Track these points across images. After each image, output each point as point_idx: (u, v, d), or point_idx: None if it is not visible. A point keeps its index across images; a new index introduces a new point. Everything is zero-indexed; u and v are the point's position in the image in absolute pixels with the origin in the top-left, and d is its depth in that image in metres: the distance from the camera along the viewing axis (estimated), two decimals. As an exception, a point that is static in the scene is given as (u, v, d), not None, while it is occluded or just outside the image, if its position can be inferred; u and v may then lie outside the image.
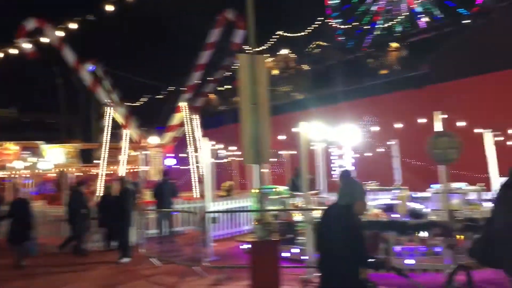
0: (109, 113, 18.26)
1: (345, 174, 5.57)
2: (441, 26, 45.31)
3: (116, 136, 21.26)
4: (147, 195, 15.52)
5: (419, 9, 55.44)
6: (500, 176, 11.93)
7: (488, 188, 11.63)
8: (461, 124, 9.69)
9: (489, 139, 11.80)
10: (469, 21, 42.53)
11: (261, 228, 5.67)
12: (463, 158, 8.70)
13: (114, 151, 19.83)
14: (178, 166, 23.06)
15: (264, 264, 5.48)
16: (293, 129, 9.95)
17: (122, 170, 18.71)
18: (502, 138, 11.59)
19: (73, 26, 14.39)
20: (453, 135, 8.35)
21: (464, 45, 21.07)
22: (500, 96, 14.96)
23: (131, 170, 23.41)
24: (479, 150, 12.08)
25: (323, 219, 4.33)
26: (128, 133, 18.78)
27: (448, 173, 8.24)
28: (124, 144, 18.83)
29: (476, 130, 10.94)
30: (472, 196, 10.23)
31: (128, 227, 11.30)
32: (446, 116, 8.66)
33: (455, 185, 10.03)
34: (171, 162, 20.45)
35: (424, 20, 54.07)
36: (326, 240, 4.10)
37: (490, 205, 10.65)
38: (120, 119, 18.86)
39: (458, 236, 8.07)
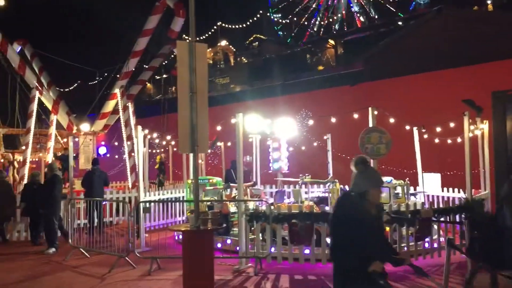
0: (37, 97, 17.33)
1: (359, 160, 5.17)
2: (376, 26, 47.02)
3: (44, 121, 20.23)
4: (77, 184, 14.95)
5: (356, 8, 57.20)
6: (423, 172, 12.62)
7: (414, 183, 12.25)
8: (391, 120, 10.09)
9: (417, 136, 12.39)
10: (402, 23, 44.51)
11: (195, 218, 5.60)
12: (393, 153, 9.08)
13: (42, 137, 18.87)
14: (110, 155, 22.38)
15: (197, 254, 5.43)
16: (230, 122, 9.92)
17: (49, 157, 17.85)
18: (426, 136, 12.17)
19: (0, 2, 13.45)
20: (384, 131, 8.70)
21: (396, 45, 21.91)
22: (428, 95, 15.73)
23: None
24: (408, 146, 12.67)
25: (335, 208, 4.10)
26: (56, 119, 17.92)
27: (379, 167, 8.56)
28: (53, 130, 17.97)
29: (406, 127, 11.42)
30: (398, 190, 10.69)
31: (55, 216, 10.82)
32: (376, 112, 8.98)
33: (383, 179, 10.44)
34: (103, 150, 19.76)
35: (360, 19, 55.89)
36: (337, 230, 3.91)
37: (414, 199, 11.26)
38: (48, 104, 17.95)
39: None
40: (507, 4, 32.60)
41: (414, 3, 51.84)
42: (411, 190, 11.71)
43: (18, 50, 18.37)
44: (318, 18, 59.36)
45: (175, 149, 20.22)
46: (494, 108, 9.12)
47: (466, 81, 14.64)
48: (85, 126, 17.83)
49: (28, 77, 17.46)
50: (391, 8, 53.90)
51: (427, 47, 18.80)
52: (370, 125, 8.69)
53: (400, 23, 45.57)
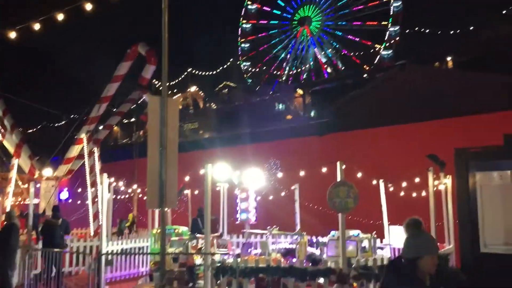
0: (-1, 140, 16.85)
1: (411, 223, 4.67)
2: (343, 77, 48.60)
3: (5, 165, 19.56)
4: (35, 231, 14.32)
5: (323, 59, 59.09)
6: (389, 225, 12.73)
7: (380, 236, 12.30)
8: (358, 174, 10.24)
9: (383, 189, 12.57)
10: (367, 76, 46.18)
11: (160, 276, 5.41)
12: (359, 205, 9.14)
13: (2, 181, 18.20)
14: (73, 200, 21.73)
15: (161, 315, 5.21)
16: (198, 170, 9.84)
17: (8, 202, 17.15)
18: (392, 189, 12.38)
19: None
20: (351, 185, 8.77)
21: (362, 98, 22.66)
22: (394, 148, 16.15)
23: (19, 203, 21.62)
24: (374, 198, 12.80)
25: (386, 275, 3.79)
26: (18, 163, 17.37)
27: (345, 221, 8.58)
28: (13, 174, 17.37)
29: (372, 181, 11.59)
30: (365, 244, 10.71)
31: (10, 267, 10.25)
32: (344, 166, 9.09)
33: (351, 232, 10.46)
34: (64, 195, 19.19)
35: (328, 70, 57.66)
36: None
37: (381, 252, 11.29)
38: (10, 147, 17.43)
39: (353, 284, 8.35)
40: (467, 63, 34.37)
41: (379, 56, 54.09)
42: (378, 243, 11.75)
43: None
44: (287, 68, 60.92)
45: (140, 195, 19.87)
46: (457, 165, 9.36)
47: (430, 136, 15.12)
48: (47, 171, 17.34)
49: (-11, 119, 17.01)
50: (357, 60, 55.98)
51: (393, 101, 19.51)
52: (338, 179, 8.76)
53: (365, 75, 47.32)
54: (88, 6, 9.04)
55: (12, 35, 10.71)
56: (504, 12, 36.54)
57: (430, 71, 23.77)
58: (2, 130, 16.96)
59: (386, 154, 16.21)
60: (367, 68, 51.89)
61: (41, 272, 12.39)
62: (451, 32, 39.64)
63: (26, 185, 17.99)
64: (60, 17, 9.53)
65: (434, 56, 38.81)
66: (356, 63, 55.70)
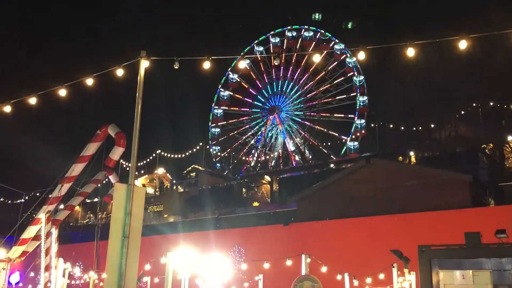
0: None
1: None
2: (310, 166, 49.36)
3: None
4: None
5: (292, 148, 60.39)
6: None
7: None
8: (323, 268, 10.13)
9: (348, 284, 12.38)
10: (334, 166, 47.14)
11: None
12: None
13: None
14: (24, 284, 20.43)
15: None
16: (160, 256, 9.55)
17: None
18: (357, 284, 12.21)
19: None
20: (316, 279, 8.64)
21: (328, 189, 22.97)
22: (359, 240, 16.18)
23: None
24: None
25: None
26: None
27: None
28: (-38, 254, 16.35)
29: (337, 275, 11.45)
30: None
31: None
32: (309, 260, 9.00)
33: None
34: (16, 279, 18.03)
35: (296, 158, 58.71)
36: None
37: None
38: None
39: None
40: (428, 158, 35.71)
41: (345, 148, 55.75)
42: None
43: None
44: (256, 155, 61.78)
45: (96, 281, 18.88)
46: (421, 262, 9.44)
47: (394, 229, 15.31)
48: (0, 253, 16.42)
49: None
50: (324, 150, 57.40)
51: (358, 192, 19.86)
52: (303, 272, 8.64)
53: (332, 165, 48.30)
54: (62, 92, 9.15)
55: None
56: (462, 112, 38.79)
57: (394, 166, 24.57)
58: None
59: (351, 246, 16.22)
60: (334, 158, 53.18)
61: None
62: (413, 128, 41.53)
63: (-26, 267, 16.90)
64: (33, 100, 9.53)
65: (398, 150, 40.25)
66: (324, 153, 57.10)
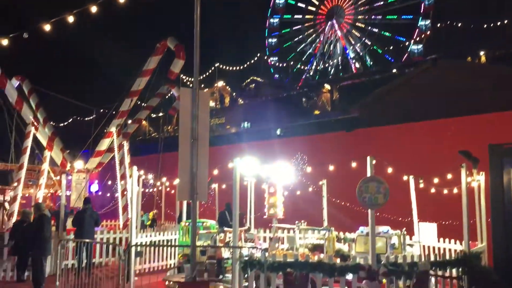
0: (32, 133, 17.22)
1: None
2: (371, 73, 47.95)
3: (38, 157, 20.04)
4: (67, 223, 14.63)
5: (352, 54, 58.42)
6: (419, 222, 12.50)
7: (409, 232, 12.08)
8: (388, 169, 10.07)
9: (412, 185, 12.34)
10: (396, 71, 45.42)
11: (191, 268, 5.44)
12: (388, 201, 8.98)
13: (34, 173, 18.65)
14: (102, 193, 22.11)
15: (192, 306, 5.24)
16: (226, 164, 9.88)
17: (40, 194, 17.59)
18: (422, 185, 12.13)
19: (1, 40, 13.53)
20: (382, 180, 8.61)
21: (392, 93, 22.28)
22: (425, 145, 15.84)
23: (51, 195, 22.12)
24: (404, 194, 12.58)
25: None
26: (50, 155, 17.78)
27: (375, 217, 8.44)
28: (46, 166, 17.78)
29: (402, 177, 11.38)
30: (394, 240, 10.54)
31: (44, 257, 10.52)
32: (374, 161, 8.93)
33: (380, 228, 10.30)
34: (95, 188, 19.55)
35: (356, 65, 56.98)
36: None
37: (410, 249, 11.10)
38: (43, 140, 17.84)
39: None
40: (499, 57, 33.44)
41: (408, 51, 53.10)
42: (407, 240, 11.55)
43: (16, 86, 18.37)
44: (314, 63, 60.48)
45: (167, 189, 20.06)
46: (491, 161, 9.12)
47: (463, 132, 14.77)
48: (78, 164, 17.69)
49: (24, 113, 17.39)
50: (386, 55, 55.11)
51: (423, 96, 19.13)
52: (368, 174, 8.62)
53: (394, 70, 46.54)
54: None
55: (46, 27, 10.91)
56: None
57: (462, 66, 23.22)
58: (35, 123, 17.35)
59: (418, 150, 15.91)
60: (397, 63, 51.04)
61: (73, 262, 12.72)
62: (484, 26, 38.55)
63: (58, 177, 18.39)
64: (93, 9, 9.65)
65: (466, 50, 37.86)
66: (385, 59, 54.86)
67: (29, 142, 17.13)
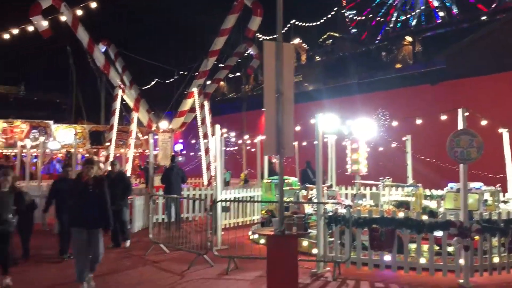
0: (120, 95, 18.09)
1: None
2: (458, 21, 44.72)
3: (126, 118, 21.12)
4: (156, 180, 15.41)
5: (436, 3, 54.67)
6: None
7: (504, 189, 11.40)
8: (481, 122, 9.44)
9: (507, 139, 11.54)
10: (486, 18, 41.97)
11: (279, 222, 5.51)
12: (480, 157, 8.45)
13: (124, 133, 19.71)
14: (186, 152, 22.96)
15: (281, 259, 5.34)
16: (309, 120, 9.80)
17: (130, 153, 18.61)
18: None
19: (87, 5, 14.15)
20: (475, 133, 8.11)
21: (481, 42, 20.68)
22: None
23: (140, 154, 23.39)
24: (495, 149, 11.82)
25: None
26: (137, 116, 18.66)
27: (468, 172, 8.02)
28: (133, 127, 18.72)
29: (497, 130, 10.66)
30: (487, 197, 10.01)
31: (126, 204, 11.05)
32: (467, 113, 8.40)
33: (471, 184, 9.79)
34: (179, 147, 20.33)
35: (440, 14, 53.35)
36: None
37: (505, 206, 10.49)
38: (130, 102, 18.71)
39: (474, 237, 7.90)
40: None
41: (499, -4, 48.62)
42: (501, 197, 10.92)
43: (103, 50, 19.22)
44: (395, 14, 57.44)
45: (248, 147, 20.40)
46: None
47: None
48: (163, 124, 18.41)
49: (112, 76, 18.26)
50: (474, 2, 50.91)
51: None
52: (460, 127, 8.14)
53: (484, 18, 43.04)
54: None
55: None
56: None
57: None
58: (122, 86, 18.16)
59: (508, 102, 14.81)
60: (485, 10, 47.03)
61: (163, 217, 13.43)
62: None
63: (145, 137, 19.30)
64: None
65: None
66: (473, 5, 50.70)
67: (117, 104, 18.05)
